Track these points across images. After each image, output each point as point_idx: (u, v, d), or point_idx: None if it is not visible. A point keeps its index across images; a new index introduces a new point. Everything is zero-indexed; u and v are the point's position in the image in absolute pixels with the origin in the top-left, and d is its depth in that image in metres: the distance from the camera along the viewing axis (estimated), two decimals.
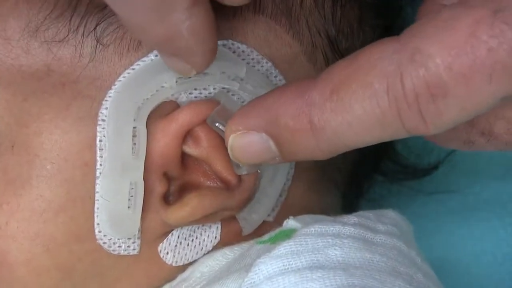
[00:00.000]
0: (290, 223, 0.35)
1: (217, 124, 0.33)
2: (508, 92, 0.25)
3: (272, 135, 0.30)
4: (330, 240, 0.31)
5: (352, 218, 0.34)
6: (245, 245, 0.36)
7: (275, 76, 0.35)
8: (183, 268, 0.37)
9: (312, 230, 0.32)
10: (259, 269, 0.30)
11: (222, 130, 0.33)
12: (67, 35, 0.33)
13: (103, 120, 0.33)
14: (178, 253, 0.36)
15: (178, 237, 0.36)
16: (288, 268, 0.30)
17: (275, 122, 0.29)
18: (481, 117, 0.28)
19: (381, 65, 0.26)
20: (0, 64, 0.34)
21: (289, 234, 0.33)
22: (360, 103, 0.27)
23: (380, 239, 0.33)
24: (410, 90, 0.25)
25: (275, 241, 0.34)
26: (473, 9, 0.25)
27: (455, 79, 0.25)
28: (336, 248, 0.31)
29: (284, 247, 0.31)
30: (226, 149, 0.34)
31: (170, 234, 0.36)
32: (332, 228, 0.32)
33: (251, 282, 0.30)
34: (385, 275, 0.30)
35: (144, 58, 0.33)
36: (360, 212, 0.35)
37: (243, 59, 0.34)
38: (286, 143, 0.29)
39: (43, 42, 0.33)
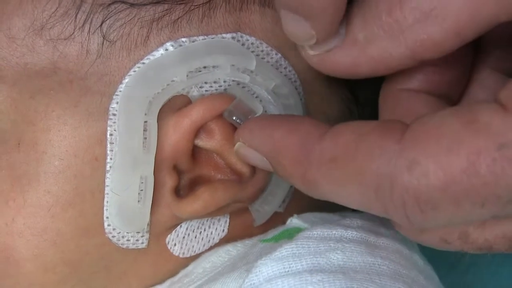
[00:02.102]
0: (294, 221, 0.35)
1: (234, 118, 0.34)
2: (498, 213, 0.25)
3: (271, 165, 0.31)
4: (332, 244, 0.32)
5: (355, 220, 0.34)
6: (248, 242, 0.37)
7: (285, 68, 0.35)
8: (187, 263, 0.38)
9: (314, 234, 0.32)
10: (259, 271, 0.31)
11: (239, 124, 0.34)
12: (73, 33, 0.33)
13: (114, 115, 0.33)
14: (186, 244, 0.37)
15: (187, 229, 0.37)
16: (288, 271, 0.30)
17: (276, 158, 0.30)
18: (480, 235, 0.28)
19: (377, 162, 0.26)
20: (5, 62, 0.34)
21: (292, 233, 0.33)
22: (350, 186, 0.27)
23: (382, 243, 0.33)
24: (398, 197, 0.26)
25: (279, 239, 0.34)
26: (477, 135, 0.25)
27: (447, 200, 0.25)
28: (338, 252, 0.31)
29: (285, 249, 0.31)
30: None
31: (179, 226, 0.36)
32: (334, 232, 0.33)
33: (251, 284, 0.30)
34: (386, 279, 0.30)
35: (154, 53, 0.33)
36: (364, 214, 0.36)
37: (252, 51, 0.34)
38: (280, 174, 0.30)
39: (48, 40, 0.34)
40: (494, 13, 0.26)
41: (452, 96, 0.32)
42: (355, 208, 0.28)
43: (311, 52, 0.31)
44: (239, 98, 0.34)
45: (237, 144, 0.32)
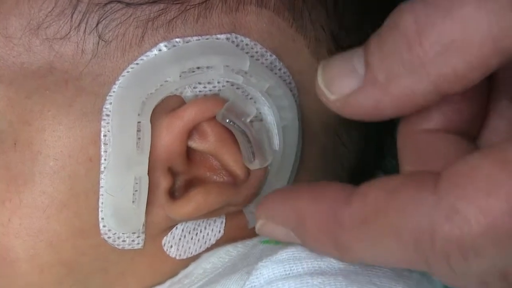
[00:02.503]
0: None
1: (227, 120, 0.33)
2: None
3: (299, 236, 0.30)
4: None
5: None
6: (248, 242, 0.36)
7: (279, 69, 0.35)
8: (186, 263, 0.37)
9: None
10: (260, 273, 0.30)
11: (233, 126, 0.34)
12: (69, 32, 0.33)
13: (108, 115, 0.33)
14: (182, 246, 0.37)
15: (183, 230, 0.37)
16: (289, 274, 0.30)
17: (303, 228, 0.29)
18: None
19: (414, 215, 0.25)
20: (2, 62, 0.34)
21: None
22: (387, 245, 0.26)
23: None
24: (441, 249, 0.25)
25: (279, 241, 0.34)
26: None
27: (491, 244, 0.24)
28: None
29: (286, 252, 0.31)
30: (235, 142, 0.34)
31: (175, 227, 0.36)
32: None
33: (251, 286, 0.30)
34: (387, 280, 0.30)
35: (148, 53, 0.33)
36: None
37: (247, 52, 0.34)
38: (310, 245, 0.30)
39: (44, 39, 0.34)
40: None
41: (472, 130, 0.31)
42: (393, 266, 0.28)
43: (332, 97, 0.29)
44: (232, 100, 0.34)
45: (259, 223, 0.31)
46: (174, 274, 0.38)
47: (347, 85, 0.29)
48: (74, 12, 0.33)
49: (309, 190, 0.29)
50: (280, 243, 0.33)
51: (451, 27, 0.26)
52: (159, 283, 0.38)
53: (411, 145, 0.30)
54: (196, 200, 0.34)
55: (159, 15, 0.33)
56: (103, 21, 0.33)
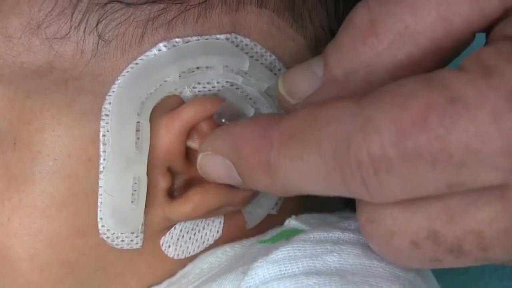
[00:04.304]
0: (292, 222, 0.35)
1: (223, 120, 0.33)
2: (452, 180, 0.24)
3: (234, 164, 0.30)
4: (328, 246, 0.31)
5: (353, 222, 0.34)
6: (245, 242, 0.37)
7: (279, 69, 0.35)
8: (184, 263, 0.37)
9: (311, 237, 0.32)
10: (255, 273, 0.30)
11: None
12: (69, 32, 0.33)
13: (107, 115, 0.33)
14: (180, 246, 0.37)
15: (181, 230, 0.37)
16: (284, 274, 0.30)
17: (237, 152, 0.29)
18: (448, 232, 0.26)
19: (335, 125, 0.25)
20: (1, 61, 0.34)
21: (290, 235, 0.33)
22: (310, 157, 0.26)
23: None
24: (354, 159, 0.25)
25: (276, 241, 0.34)
26: (429, 90, 0.24)
27: (399, 158, 0.24)
28: (334, 254, 0.31)
29: (281, 252, 0.31)
30: None
31: (173, 227, 0.36)
32: (331, 235, 0.32)
33: (247, 286, 0.30)
34: (383, 281, 0.30)
35: (147, 53, 0.33)
36: None
37: (247, 53, 0.34)
38: (245, 175, 0.29)
39: (44, 39, 0.34)
40: (467, 19, 0.26)
41: None
42: (316, 190, 0.27)
43: (292, 101, 0.30)
44: (229, 100, 0.34)
45: (200, 156, 0.31)
46: (172, 274, 0.38)
47: (307, 88, 0.29)
48: (74, 12, 0.33)
49: (247, 119, 0.30)
50: (276, 243, 0.33)
51: (404, 11, 0.26)
52: (158, 283, 0.38)
53: None
54: (194, 200, 0.34)
55: (159, 15, 0.33)
56: (103, 21, 0.33)
